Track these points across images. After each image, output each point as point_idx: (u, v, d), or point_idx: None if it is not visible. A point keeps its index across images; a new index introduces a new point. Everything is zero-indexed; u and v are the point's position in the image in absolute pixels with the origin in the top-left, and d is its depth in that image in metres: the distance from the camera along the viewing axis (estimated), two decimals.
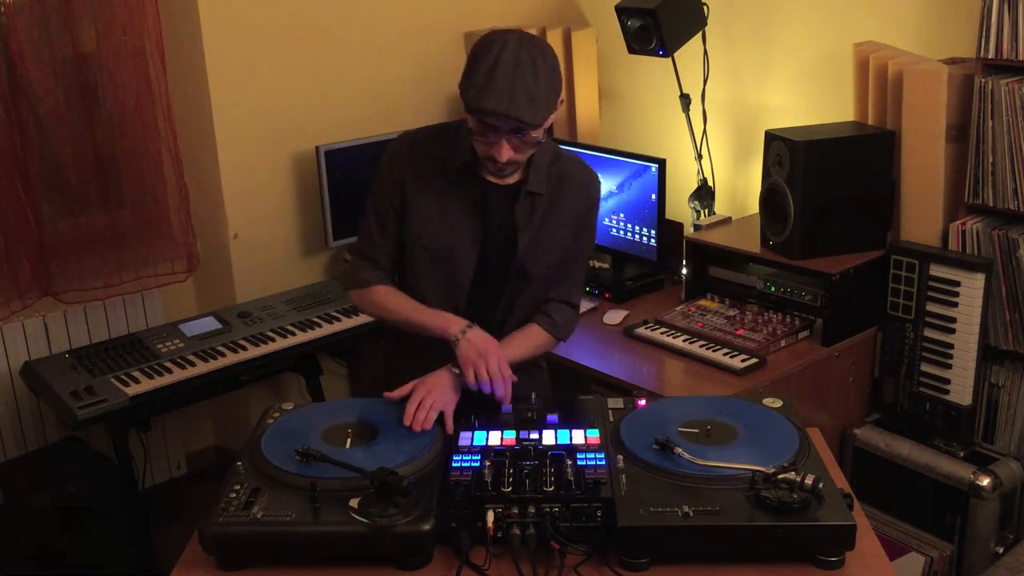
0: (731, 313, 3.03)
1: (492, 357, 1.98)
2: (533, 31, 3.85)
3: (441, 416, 1.94)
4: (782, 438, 1.83)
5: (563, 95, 1.98)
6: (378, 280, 2.16)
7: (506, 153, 1.93)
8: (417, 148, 2.12)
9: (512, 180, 2.08)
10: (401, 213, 2.11)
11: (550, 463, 1.76)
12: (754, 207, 3.15)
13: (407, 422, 1.90)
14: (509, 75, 1.84)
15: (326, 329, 3.28)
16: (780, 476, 1.64)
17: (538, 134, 1.94)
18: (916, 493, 2.86)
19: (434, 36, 3.90)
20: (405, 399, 1.96)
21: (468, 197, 2.08)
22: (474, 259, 2.10)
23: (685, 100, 3.44)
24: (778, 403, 1.99)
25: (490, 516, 1.65)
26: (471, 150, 2.02)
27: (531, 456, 1.79)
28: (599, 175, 2.23)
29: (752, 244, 3.06)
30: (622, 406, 2.00)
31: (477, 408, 1.99)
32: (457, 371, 2.01)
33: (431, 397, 1.94)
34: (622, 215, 3.33)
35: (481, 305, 2.14)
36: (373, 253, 2.17)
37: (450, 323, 2.04)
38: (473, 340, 2.01)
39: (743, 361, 2.73)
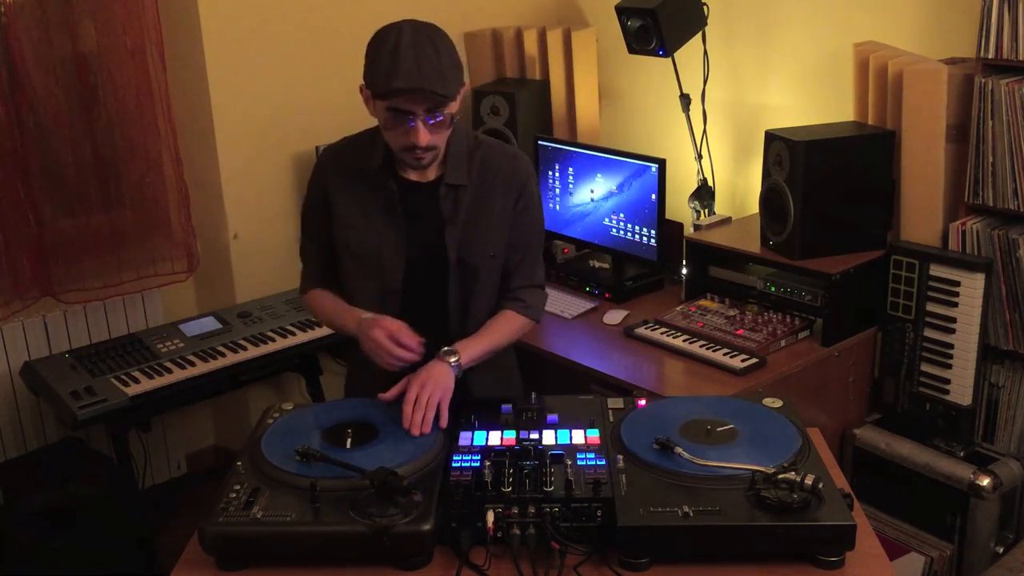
0: (731, 313, 3.03)
1: (389, 335, 1.98)
2: (533, 31, 3.85)
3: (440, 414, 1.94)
4: (782, 438, 1.83)
5: (467, 81, 2.00)
6: (310, 285, 2.24)
7: (424, 136, 1.94)
8: (337, 157, 2.17)
9: (432, 175, 2.09)
10: (327, 222, 2.15)
11: (550, 463, 1.76)
12: (754, 207, 3.15)
13: (406, 426, 1.89)
14: (412, 55, 1.87)
15: (326, 329, 3.27)
16: (780, 476, 1.64)
17: (451, 111, 1.96)
18: (916, 493, 2.86)
19: None
20: (401, 400, 1.96)
21: (388, 198, 2.10)
22: (401, 259, 2.11)
23: (685, 100, 3.44)
24: (778, 403, 1.99)
25: (490, 516, 1.65)
26: (386, 151, 2.05)
27: (531, 456, 1.79)
28: (522, 162, 2.19)
29: (752, 244, 3.07)
30: (622, 406, 2.00)
31: (478, 408, 1.99)
32: (452, 360, 2.01)
33: (426, 392, 1.93)
34: (622, 215, 3.33)
35: (425, 306, 2.14)
36: (308, 262, 2.25)
37: (356, 318, 2.07)
38: (369, 327, 2.00)
39: (743, 361, 2.73)
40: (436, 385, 1.94)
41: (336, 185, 2.14)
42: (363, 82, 1.97)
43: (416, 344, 1.99)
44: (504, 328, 2.16)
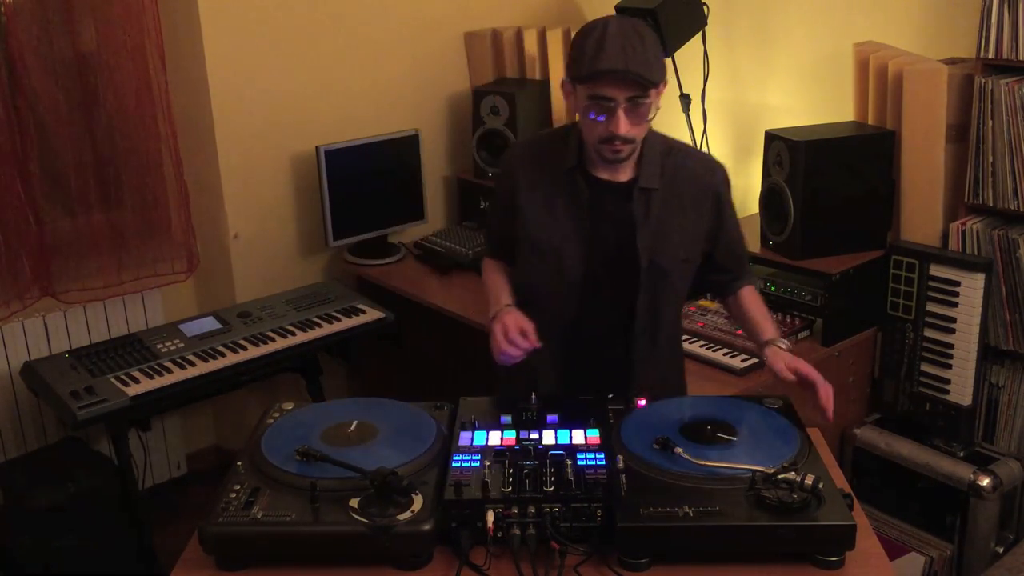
0: None
1: (505, 330, 2.05)
2: (533, 31, 3.85)
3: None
4: (782, 438, 1.83)
5: (667, 80, 2.01)
6: (487, 253, 2.36)
7: (624, 126, 1.93)
8: (529, 152, 2.19)
9: (624, 177, 2.08)
10: (510, 212, 2.17)
11: (550, 463, 1.76)
12: (754, 207, 3.15)
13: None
14: (618, 42, 1.89)
15: (326, 329, 3.28)
16: (780, 476, 1.64)
17: (651, 103, 1.95)
18: (916, 493, 2.86)
19: (434, 36, 3.90)
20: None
21: (576, 197, 2.09)
22: (582, 260, 2.11)
23: (685, 100, 3.44)
24: (778, 403, 1.99)
25: (490, 516, 1.65)
26: (578, 150, 2.07)
27: (531, 456, 1.79)
28: None
29: (752, 244, 3.06)
30: (622, 406, 2.00)
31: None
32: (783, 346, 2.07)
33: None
34: None
35: (607, 307, 2.14)
36: (489, 236, 2.41)
37: (498, 302, 2.17)
38: (495, 318, 2.10)
39: (743, 361, 2.73)
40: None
41: (526, 181, 2.14)
42: (564, 77, 2.00)
43: (528, 345, 2.02)
44: (761, 301, 2.25)
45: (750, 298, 2.25)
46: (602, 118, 1.94)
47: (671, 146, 2.14)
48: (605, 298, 2.14)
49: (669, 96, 3.56)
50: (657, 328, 2.17)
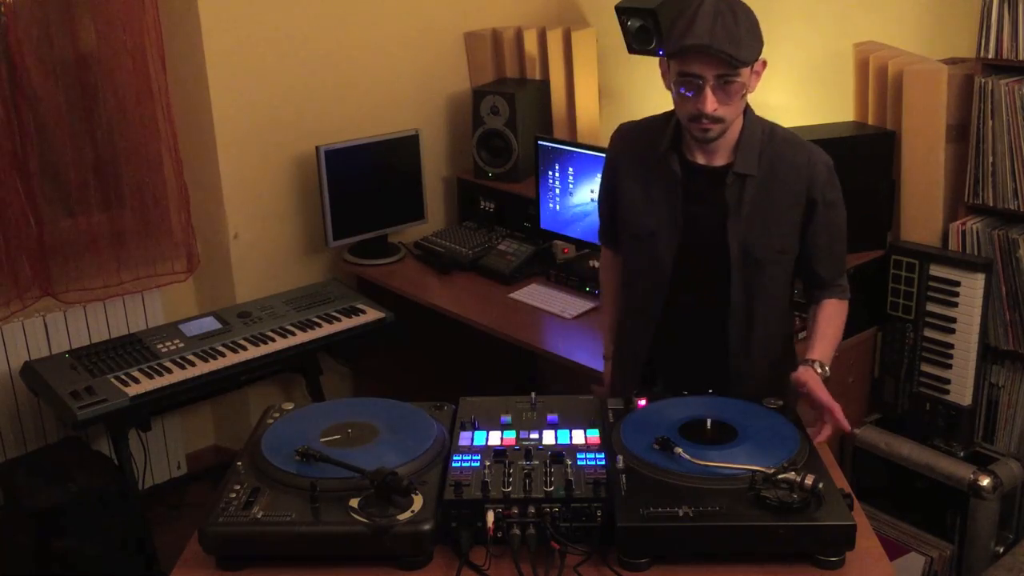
0: None
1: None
2: (533, 31, 3.85)
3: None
4: (782, 438, 1.83)
5: (765, 59, 1.99)
6: (603, 240, 2.40)
7: (711, 103, 1.91)
8: (629, 136, 2.21)
9: (721, 161, 2.06)
10: (614, 196, 2.20)
11: (550, 463, 1.76)
12: None
13: (844, 426, 1.97)
14: (709, 19, 1.88)
15: (326, 329, 3.28)
16: (780, 476, 1.64)
17: (744, 82, 1.93)
18: (916, 493, 2.86)
19: (434, 36, 3.90)
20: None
21: (670, 180, 2.08)
22: (675, 242, 2.09)
23: None
24: (778, 403, 1.99)
25: (490, 516, 1.65)
26: (675, 132, 2.07)
27: (531, 456, 1.79)
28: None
29: None
30: (622, 406, 2.00)
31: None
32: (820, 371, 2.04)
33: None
34: None
35: (701, 300, 2.12)
36: (601, 223, 2.37)
37: (606, 345, 2.42)
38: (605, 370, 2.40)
39: None
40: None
41: (624, 166, 2.17)
42: (664, 44, 2.00)
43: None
44: (836, 320, 2.14)
45: (825, 312, 2.15)
46: (691, 95, 1.93)
47: (774, 132, 2.10)
48: (698, 286, 2.12)
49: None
50: (751, 324, 2.12)
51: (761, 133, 2.07)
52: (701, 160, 2.07)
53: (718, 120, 1.95)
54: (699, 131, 1.98)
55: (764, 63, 1.99)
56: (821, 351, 2.07)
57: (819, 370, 2.02)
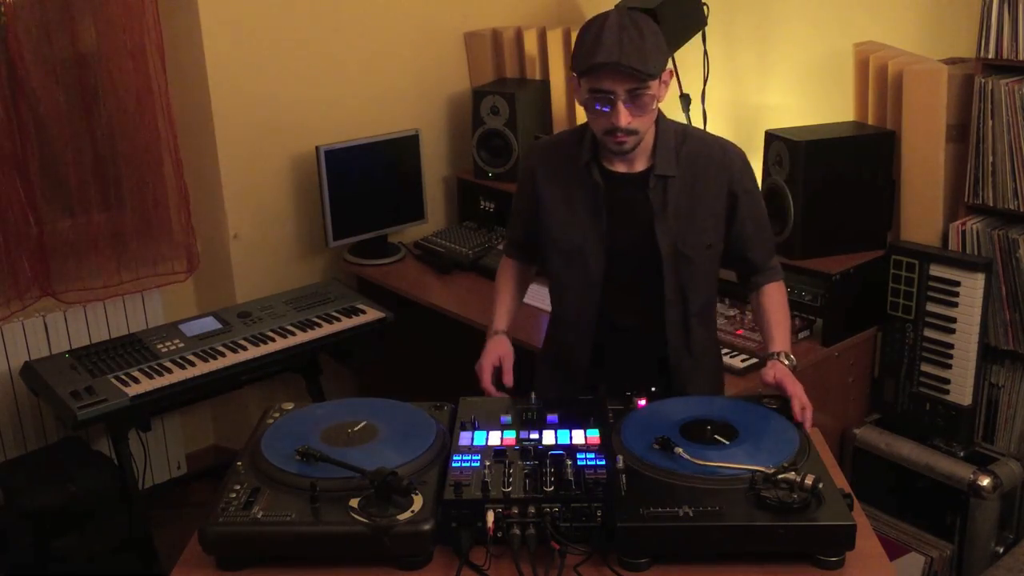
0: (731, 313, 3.03)
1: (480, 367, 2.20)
2: (533, 31, 3.85)
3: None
4: (782, 438, 1.83)
5: (671, 67, 2.02)
6: (506, 252, 2.40)
7: (625, 117, 1.94)
8: (547, 151, 2.23)
9: (640, 167, 2.09)
10: (534, 213, 2.20)
11: (550, 463, 1.76)
12: None
13: (805, 422, 1.93)
14: (615, 35, 1.90)
15: (326, 329, 3.28)
16: (780, 476, 1.64)
17: (653, 93, 1.96)
18: (916, 493, 2.86)
19: (434, 36, 3.90)
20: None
21: (593, 192, 2.11)
22: (603, 253, 2.12)
23: (685, 100, 3.44)
24: (778, 403, 1.99)
25: (490, 516, 1.65)
26: (593, 144, 2.09)
27: (531, 456, 1.79)
28: None
29: None
30: (622, 406, 2.00)
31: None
32: (787, 362, 2.06)
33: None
34: None
35: (634, 297, 2.16)
36: (510, 231, 2.39)
37: (492, 326, 2.28)
38: (486, 349, 2.23)
39: (743, 361, 2.73)
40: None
41: (544, 181, 2.18)
42: (572, 62, 2.01)
43: (501, 382, 2.17)
44: (782, 303, 2.21)
45: (770, 298, 2.22)
46: (606, 110, 1.96)
47: (687, 132, 2.15)
48: (627, 290, 2.15)
49: (669, 96, 3.56)
50: (687, 319, 2.17)
51: (675, 135, 2.12)
52: (621, 168, 2.10)
53: (633, 132, 1.99)
54: (615, 144, 2.01)
55: (671, 72, 2.03)
56: (782, 341, 2.12)
57: (786, 361, 2.06)
